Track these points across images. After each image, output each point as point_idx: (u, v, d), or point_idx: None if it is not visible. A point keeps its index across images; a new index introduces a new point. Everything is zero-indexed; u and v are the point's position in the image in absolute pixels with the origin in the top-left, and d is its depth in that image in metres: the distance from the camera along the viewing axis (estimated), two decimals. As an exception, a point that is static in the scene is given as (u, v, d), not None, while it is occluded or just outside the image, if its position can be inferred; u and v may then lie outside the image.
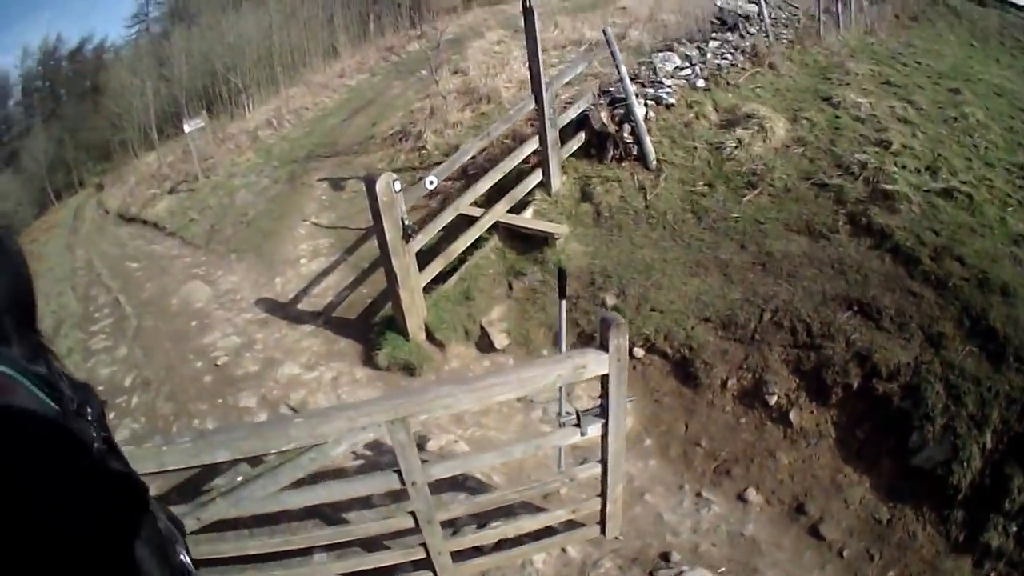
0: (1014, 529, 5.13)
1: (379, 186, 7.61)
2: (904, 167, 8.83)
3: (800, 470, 6.13)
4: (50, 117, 59.61)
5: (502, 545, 5.48)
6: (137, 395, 9.04)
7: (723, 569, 5.36)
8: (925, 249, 7.27)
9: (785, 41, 13.67)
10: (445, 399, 4.19)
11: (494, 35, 19.90)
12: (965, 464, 5.45)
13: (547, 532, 5.52)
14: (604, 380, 4.53)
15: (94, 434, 1.32)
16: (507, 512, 5.56)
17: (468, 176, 10.97)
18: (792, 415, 6.41)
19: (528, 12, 8.93)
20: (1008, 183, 8.63)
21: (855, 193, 8.39)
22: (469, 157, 9.40)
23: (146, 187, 20.72)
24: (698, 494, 6.23)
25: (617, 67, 9.97)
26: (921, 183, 8.48)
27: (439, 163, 11.75)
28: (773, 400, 6.55)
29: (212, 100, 32.96)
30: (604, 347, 4.37)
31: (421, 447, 6.21)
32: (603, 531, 5.55)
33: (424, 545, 4.90)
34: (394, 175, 7.80)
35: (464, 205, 9.06)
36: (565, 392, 5.56)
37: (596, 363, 4.40)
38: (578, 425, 4.73)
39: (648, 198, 9.40)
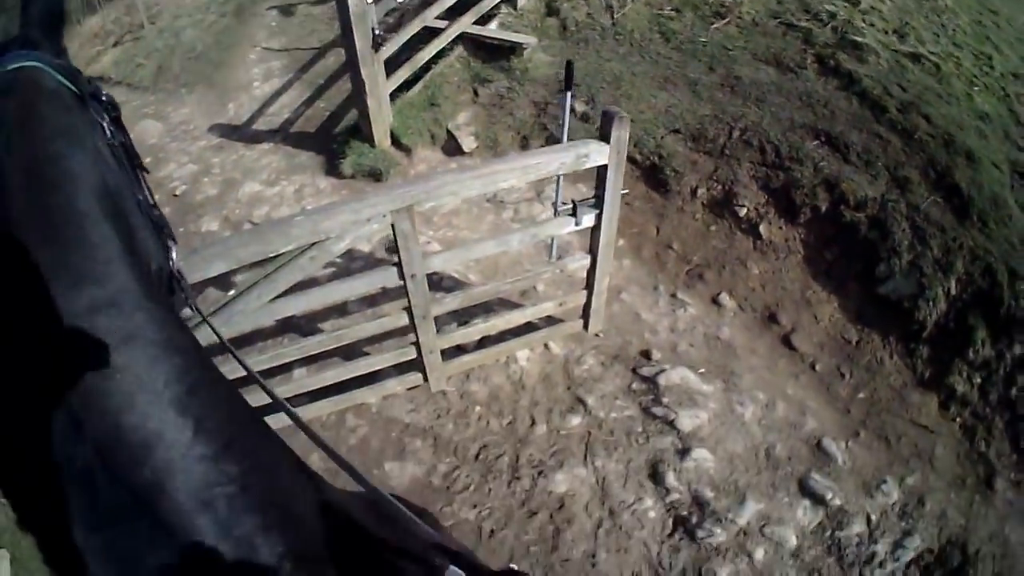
0: (978, 380, 5.48)
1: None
2: (872, 25, 8.90)
3: (771, 281, 6.37)
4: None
5: (485, 343, 5.61)
6: None
7: (702, 370, 5.58)
8: (892, 100, 7.44)
9: None
10: (451, 185, 4.19)
11: None
12: (931, 304, 5.75)
13: (528, 328, 5.65)
14: (602, 171, 4.65)
15: (106, 115, 1.48)
16: (487, 310, 5.69)
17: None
18: (762, 228, 6.59)
19: None
20: (975, 66, 8.81)
21: (823, 38, 8.48)
22: None
23: (90, 47, 19.57)
24: (673, 295, 6.42)
25: None
26: (889, 43, 8.60)
27: None
28: (743, 212, 6.71)
29: None
30: (605, 139, 4.46)
31: (393, 251, 6.15)
32: (585, 326, 5.74)
33: (416, 344, 4.98)
34: None
35: (430, 18, 8.90)
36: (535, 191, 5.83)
37: (598, 153, 4.50)
38: (573, 214, 4.82)
39: (615, 16, 9.36)
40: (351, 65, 7.98)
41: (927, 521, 4.88)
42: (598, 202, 4.83)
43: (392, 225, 4.14)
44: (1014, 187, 6.75)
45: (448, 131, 8.85)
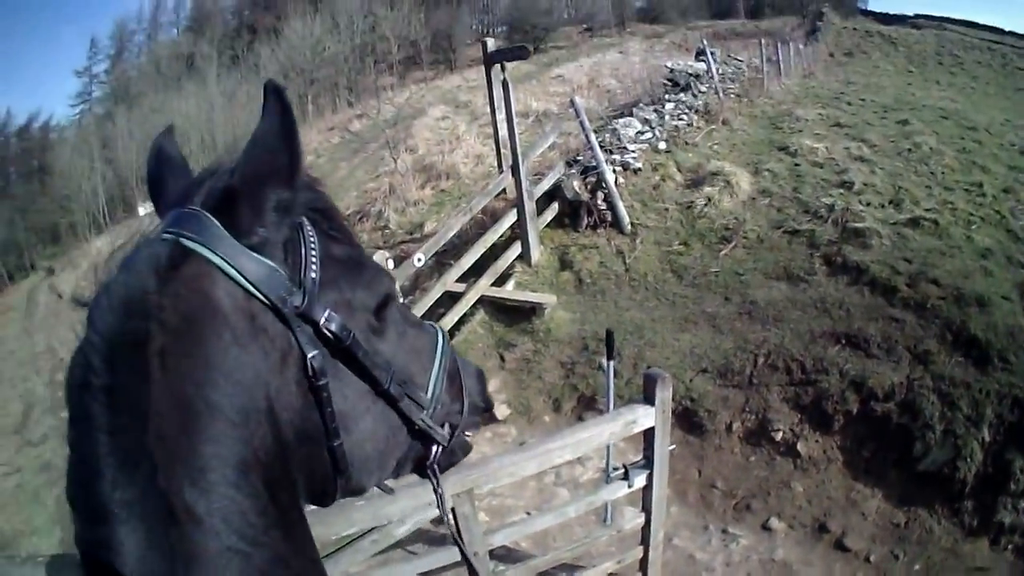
0: (1022, 505, 5.91)
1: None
2: (869, 204, 9.75)
3: (815, 494, 6.75)
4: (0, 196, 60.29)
5: None
6: None
7: None
8: (900, 277, 8.12)
9: (733, 96, 14.63)
10: (509, 468, 4.37)
11: (436, 111, 20.79)
12: (968, 459, 6.19)
13: None
14: (649, 433, 4.91)
15: (316, 347, 1.20)
16: (545, 574, 5.77)
17: (440, 253, 11.23)
18: (799, 446, 7.06)
19: (504, 86, 9.76)
20: (968, 203, 9.59)
21: (826, 235, 9.24)
22: (454, 233, 9.86)
23: (100, 271, 20.92)
24: (723, 531, 6.75)
25: (586, 135, 10.73)
26: (887, 217, 9.39)
27: (403, 242, 12.54)
28: (779, 436, 7.20)
29: None
30: (650, 401, 4.76)
31: (441, 522, 6.52)
32: None
33: None
34: (386, 252, 8.11)
35: (450, 281, 9.49)
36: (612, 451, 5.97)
37: (644, 417, 4.77)
38: (626, 478, 5.05)
39: (627, 262, 10.10)
40: None
41: None
42: (648, 463, 5.07)
43: (452, 509, 4.34)
44: None
45: None
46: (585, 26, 55.95)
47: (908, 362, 7.12)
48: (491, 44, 10.95)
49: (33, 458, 10.95)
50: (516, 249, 10.55)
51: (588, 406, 8.47)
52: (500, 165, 11.95)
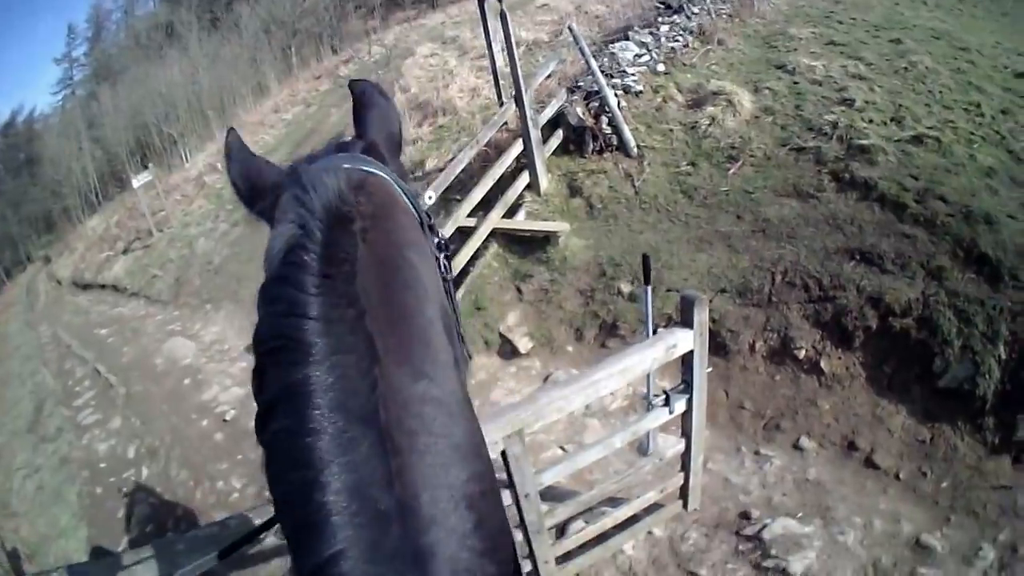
0: None
1: None
2: (872, 121, 9.99)
3: (842, 412, 7.07)
4: (-8, 194, 59.87)
5: (587, 544, 5.76)
6: (146, 466, 9.26)
7: (800, 514, 6.17)
8: (909, 194, 8.40)
9: (725, 16, 14.68)
10: (558, 403, 4.45)
11: (424, 49, 20.64)
12: (987, 376, 6.47)
13: (631, 520, 5.91)
14: (687, 357, 5.13)
15: (440, 252, 1.66)
16: (588, 509, 5.91)
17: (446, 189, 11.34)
18: (823, 364, 7.36)
19: (502, 16, 9.93)
20: (968, 122, 9.83)
21: (833, 152, 9.49)
22: (463, 167, 9.98)
23: (97, 251, 20.42)
24: (756, 452, 7.05)
25: (587, 61, 10.95)
26: (891, 134, 9.63)
27: None
28: (802, 354, 7.50)
29: (147, 153, 33.08)
30: (688, 324, 4.95)
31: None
32: (685, 505, 6.17)
33: (532, 558, 5.14)
34: (416, 188, 7.98)
35: (462, 217, 9.66)
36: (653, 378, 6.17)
37: (684, 340, 4.93)
38: (667, 404, 5.24)
39: (636, 185, 10.34)
40: None
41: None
42: (687, 387, 5.22)
43: (503, 451, 4.39)
44: None
45: (501, 334, 9.37)
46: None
47: (923, 278, 7.39)
48: (481, -26, 10.94)
49: (51, 454, 11.02)
50: (524, 179, 10.79)
51: (611, 333, 8.75)
52: (500, 97, 12.12)
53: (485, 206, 10.22)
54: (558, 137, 11.26)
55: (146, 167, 22.42)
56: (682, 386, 5.27)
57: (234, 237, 15.52)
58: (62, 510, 9.42)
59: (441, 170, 11.40)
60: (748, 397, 7.50)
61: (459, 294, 9.52)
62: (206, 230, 16.54)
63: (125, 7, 77.76)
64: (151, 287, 15.17)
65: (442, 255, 1.65)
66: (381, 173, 1.52)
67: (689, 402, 5.28)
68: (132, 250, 18.14)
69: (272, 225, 1.44)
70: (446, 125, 14.89)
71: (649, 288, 5.98)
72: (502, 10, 9.94)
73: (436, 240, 1.69)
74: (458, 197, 10.62)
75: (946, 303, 7.04)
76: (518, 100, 10.10)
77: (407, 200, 1.55)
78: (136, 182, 18.81)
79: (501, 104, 11.94)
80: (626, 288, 8.95)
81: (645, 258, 5.96)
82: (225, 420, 9.56)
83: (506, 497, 4.58)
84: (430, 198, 8.71)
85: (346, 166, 1.46)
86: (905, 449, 6.55)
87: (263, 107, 28.54)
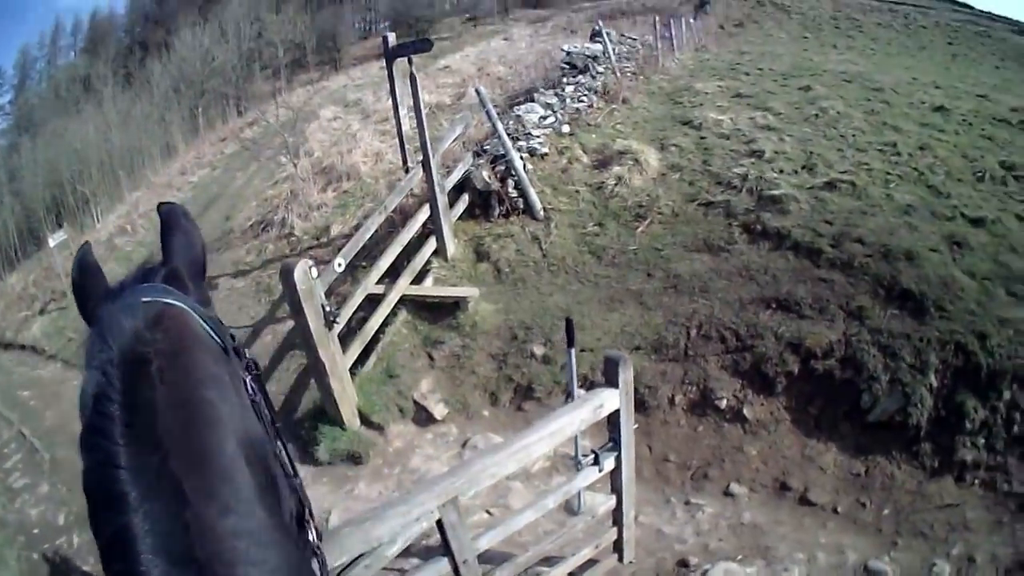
0: (982, 441, 6.29)
1: (297, 275, 7.56)
2: (782, 171, 10.02)
3: (770, 455, 6.99)
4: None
5: None
6: (76, 534, 8.89)
7: (740, 557, 6.04)
8: (823, 239, 8.36)
9: (630, 74, 14.82)
10: (491, 468, 4.41)
11: (328, 112, 20.69)
12: (919, 405, 6.55)
13: None
14: (613, 416, 5.09)
15: (248, 374, 1.64)
16: (524, 570, 5.69)
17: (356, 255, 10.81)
18: (746, 411, 7.26)
19: (412, 78, 9.68)
20: (884, 162, 9.94)
21: (742, 204, 9.45)
22: (371, 234, 9.63)
23: (16, 310, 19.98)
24: (686, 502, 6.90)
25: (494, 124, 10.76)
26: (802, 182, 9.65)
27: (311, 248, 12.59)
28: (723, 403, 7.38)
29: (61, 211, 32.67)
30: (612, 384, 4.93)
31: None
32: (620, 558, 6.04)
33: None
34: (310, 261, 7.92)
35: (371, 284, 9.31)
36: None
37: (610, 399, 4.94)
38: (596, 463, 5.21)
39: (544, 247, 10.15)
40: (307, 347, 8.21)
41: (984, 571, 5.51)
42: (615, 445, 5.24)
43: (439, 520, 4.30)
44: (955, 259, 7.78)
45: (415, 401, 9.02)
46: (468, 15, 56.22)
47: (843, 319, 7.43)
48: (392, 39, 10.95)
49: (-17, 519, 10.45)
50: (431, 245, 10.46)
51: (526, 396, 8.57)
52: (405, 162, 11.99)
53: (392, 273, 9.93)
54: (464, 201, 11.06)
55: (60, 226, 22.03)
56: (610, 444, 5.28)
57: None
58: (5, 573, 9.19)
59: (347, 236, 11.25)
60: (672, 450, 7.40)
61: (370, 362, 9.41)
62: None
63: (48, 56, 77.57)
64: (67, 350, 14.65)
65: (248, 376, 1.65)
66: (180, 304, 1.48)
67: (618, 459, 5.27)
68: (48, 311, 17.70)
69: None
70: (350, 190, 14.70)
71: (573, 351, 5.97)
72: (411, 73, 9.79)
73: (244, 361, 1.68)
74: (364, 264, 10.37)
75: (869, 341, 7.09)
76: (425, 165, 9.92)
77: (207, 330, 1.51)
78: (52, 240, 18.50)
79: (407, 169, 11.78)
80: (539, 351, 8.76)
81: (568, 322, 5.95)
82: None
83: (443, 565, 4.55)
84: (340, 265, 8.44)
85: (145, 300, 1.43)
86: (840, 484, 6.57)
87: (171, 168, 28.21)
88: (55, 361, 14.77)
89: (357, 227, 11.34)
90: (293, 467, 1.76)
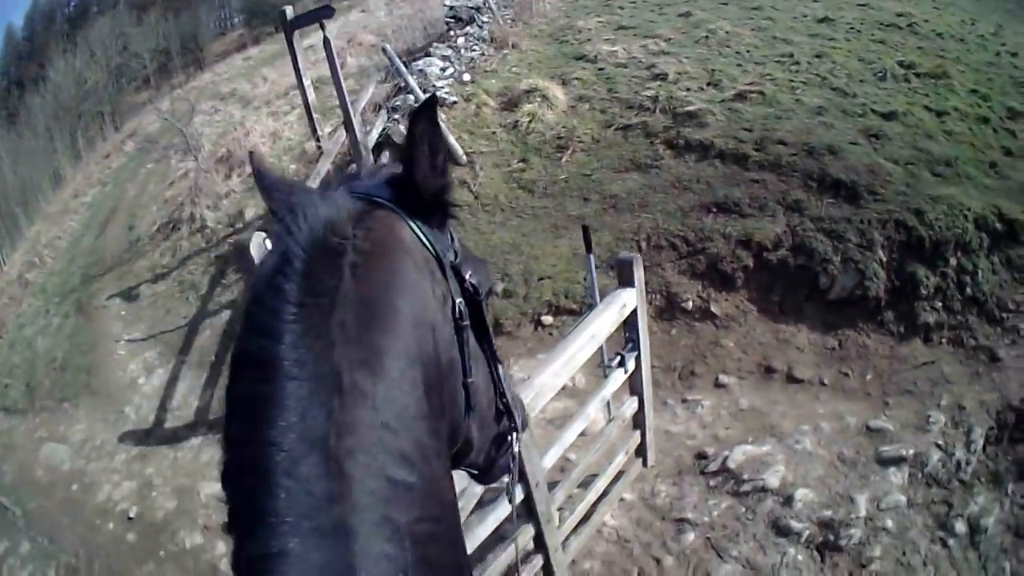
0: (940, 304, 6.96)
1: (253, 250, 7.47)
2: (689, 89, 10.48)
3: (747, 344, 7.44)
4: None
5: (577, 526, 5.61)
6: None
7: (751, 438, 6.42)
8: (746, 145, 8.91)
9: (510, 21, 14.93)
10: (551, 380, 4.39)
11: (205, 107, 20.61)
12: (875, 278, 7.15)
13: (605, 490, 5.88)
14: (631, 316, 5.23)
15: (461, 297, 1.49)
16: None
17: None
18: (713, 308, 7.70)
19: (326, 44, 9.92)
20: (785, 72, 10.50)
21: (660, 124, 9.87)
22: None
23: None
24: (683, 400, 7.24)
25: (405, 78, 11.14)
26: (712, 97, 10.14)
27: (228, 236, 12.71)
28: (690, 305, 7.81)
29: None
30: (629, 283, 5.07)
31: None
32: (644, 463, 6.25)
33: (543, 550, 4.93)
34: (263, 233, 7.84)
35: None
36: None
37: (630, 299, 5.08)
38: (622, 364, 5.32)
39: (473, 189, 10.38)
40: None
41: (977, 416, 6.01)
42: (634, 345, 5.40)
43: None
44: (876, 149, 8.41)
45: None
46: (322, -7, 55.50)
47: (783, 213, 7.95)
48: (289, 12, 11.08)
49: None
50: None
51: (496, 332, 8.33)
52: (315, 131, 12.20)
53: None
54: (386, 156, 11.23)
55: None
56: (630, 345, 5.43)
57: (70, 329, 14.55)
58: None
59: (262, 216, 11.65)
60: (653, 356, 7.30)
61: None
62: (41, 328, 15.46)
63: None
64: (5, 397, 13.77)
65: (458, 300, 1.48)
66: (391, 206, 1.44)
67: (637, 359, 5.44)
68: None
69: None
70: None
71: (592, 256, 6.03)
72: (325, 37, 9.92)
73: (461, 284, 1.53)
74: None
75: (814, 228, 7.64)
76: (347, 127, 10.15)
77: (420, 238, 1.44)
78: None
79: (317, 139, 12.06)
80: (498, 287, 8.81)
81: (585, 229, 6.06)
82: (130, 518, 8.95)
83: (518, 491, 4.36)
84: None
85: (354, 195, 1.43)
86: (819, 359, 7.07)
87: (63, 195, 27.27)
88: None
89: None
90: (506, 405, 1.70)
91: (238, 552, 1.06)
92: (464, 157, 10.78)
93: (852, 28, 12.43)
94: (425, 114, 1.36)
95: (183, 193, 15.87)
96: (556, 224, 9.24)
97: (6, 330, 16.69)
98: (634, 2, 15.23)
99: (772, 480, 5.85)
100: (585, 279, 7.63)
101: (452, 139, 10.79)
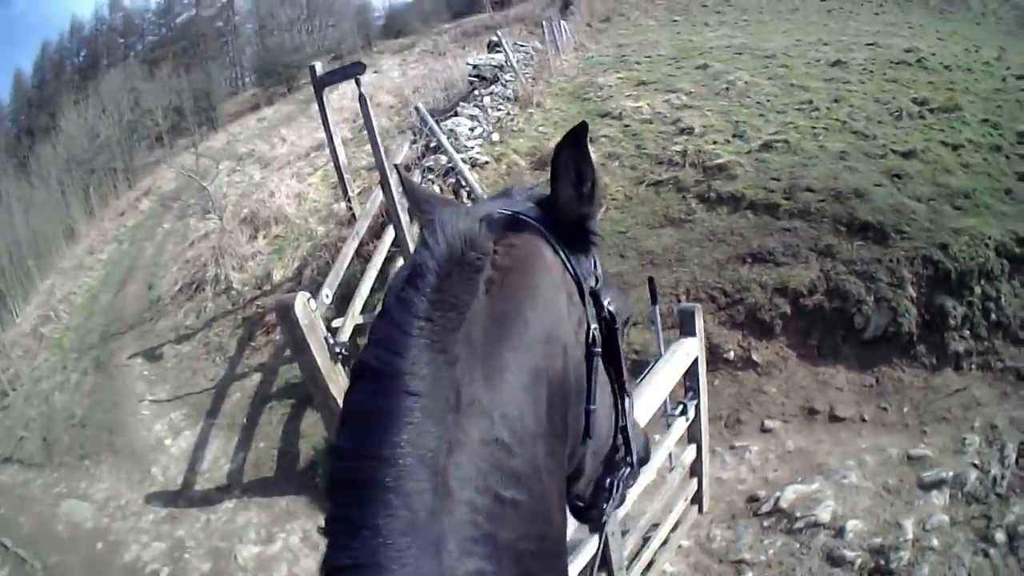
0: (968, 332, 7.36)
1: (298, 310, 7.22)
2: (716, 142, 10.86)
3: (788, 388, 7.71)
4: None
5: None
6: None
7: (800, 477, 6.70)
8: (776, 194, 9.24)
9: (531, 80, 15.24)
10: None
11: (223, 167, 20.34)
12: (906, 315, 7.52)
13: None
14: (694, 364, 5.44)
15: (598, 323, 1.48)
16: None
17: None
18: (754, 356, 7.98)
19: (361, 100, 9.89)
20: (806, 119, 10.91)
21: (691, 178, 10.21)
22: (348, 262, 9.48)
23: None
24: (731, 447, 7.47)
25: (438, 138, 11.42)
26: (739, 148, 10.52)
27: (256, 298, 12.69)
28: (731, 355, 8.08)
29: None
30: (691, 333, 5.32)
31: None
32: (700, 509, 6.44)
33: None
34: (306, 294, 7.64)
35: (357, 312, 9.10)
36: None
37: (692, 348, 5.30)
38: (683, 412, 5.46)
39: (511, 251, 10.38)
40: (315, 386, 7.78)
41: (1009, 434, 6.39)
42: (695, 393, 5.58)
43: None
44: (899, 188, 8.77)
45: None
46: (332, 55, 55.83)
47: (816, 259, 8.27)
48: (319, 67, 11.25)
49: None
50: (399, 263, 10.56)
51: None
52: (346, 192, 12.20)
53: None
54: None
55: None
56: (691, 393, 5.61)
57: (89, 386, 14.30)
58: None
59: (292, 279, 11.66)
60: None
61: None
62: (58, 383, 15.14)
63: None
64: (21, 450, 13.49)
65: (594, 326, 1.48)
66: (537, 226, 1.45)
67: (697, 407, 5.62)
68: None
69: None
70: (282, 234, 14.59)
71: (657, 307, 6.27)
72: (361, 94, 9.86)
73: (599, 311, 1.52)
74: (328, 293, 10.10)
75: (846, 271, 7.98)
76: (384, 186, 9.98)
77: (562, 260, 1.44)
78: None
79: (348, 199, 12.09)
80: None
81: (650, 280, 6.31)
82: None
83: (593, 541, 4.07)
84: (327, 296, 8.27)
85: (499, 212, 1.45)
86: (858, 397, 7.37)
87: (77, 250, 27.21)
88: (11, 463, 13.52)
89: (299, 268, 11.74)
90: (626, 439, 1.65)
91: (325, 560, 1.06)
92: (502, 217, 10.87)
93: (864, 69, 12.82)
94: (574, 140, 1.37)
95: (205, 253, 15.79)
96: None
97: (21, 383, 16.51)
98: (649, 57, 15.53)
99: (823, 515, 6.11)
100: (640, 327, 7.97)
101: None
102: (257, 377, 11.41)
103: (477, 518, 1.11)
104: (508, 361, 1.25)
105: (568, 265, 1.43)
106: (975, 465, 6.17)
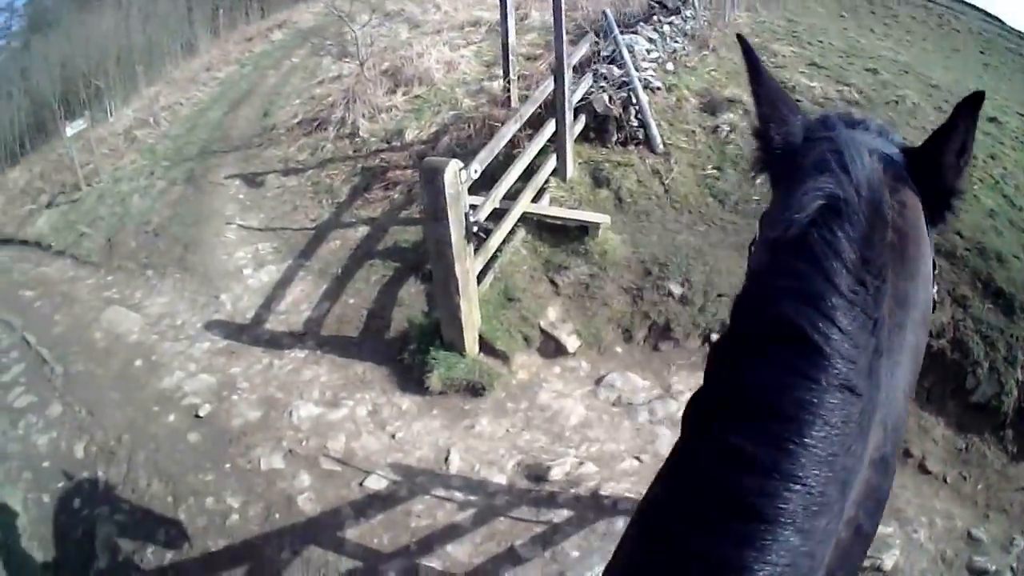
0: None
1: (448, 177, 7.08)
2: None
3: None
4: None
5: None
6: (102, 470, 7.76)
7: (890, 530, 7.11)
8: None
9: (706, 23, 15.35)
10: None
11: (364, 19, 19.86)
12: (1009, 395, 7.87)
13: None
14: None
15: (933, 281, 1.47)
16: None
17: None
18: None
19: None
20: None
21: None
22: (504, 142, 9.22)
23: (19, 204, 18.22)
24: None
25: (620, 50, 11.30)
26: None
27: (380, 151, 12.87)
28: None
29: (71, 105, 31.30)
30: None
31: (543, 478, 6.85)
32: None
33: None
34: (460, 163, 7.43)
35: (499, 197, 8.84)
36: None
37: None
38: None
39: (665, 182, 10.64)
40: (440, 259, 7.58)
41: None
42: None
43: None
44: None
45: (542, 330, 8.73)
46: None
47: (950, 304, 8.59)
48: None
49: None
50: (551, 164, 10.41)
51: (662, 336, 8.80)
52: (507, 73, 12.19)
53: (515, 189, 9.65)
54: (580, 123, 10.96)
55: (79, 116, 20.48)
56: None
57: (175, 197, 14.17)
58: (5, 520, 7.61)
59: (425, 143, 11.93)
60: None
61: (487, 281, 8.96)
62: (140, 187, 15.20)
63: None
64: (79, 246, 13.61)
65: (934, 288, 1.51)
66: (915, 188, 1.44)
67: None
68: (57, 204, 16.64)
69: (778, 166, 1.56)
70: (424, 96, 14.52)
71: None
72: None
73: (935, 271, 1.55)
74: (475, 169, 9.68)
75: (973, 328, 8.34)
76: (558, 78, 9.81)
77: (930, 234, 1.45)
78: (70, 130, 16.77)
79: (507, 80, 12.14)
80: (676, 290, 8.91)
81: None
82: (198, 416, 8.18)
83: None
84: (476, 171, 7.91)
85: (883, 153, 1.44)
86: (947, 456, 7.75)
87: (193, 65, 26.95)
88: (63, 257, 13.63)
89: (436, 134, 12.01)
90: None
91: (696, 539, 1.01)
92: (661, 146, 10.99)
93: (1017, 138, 12.73)
94: (972, 108, 1.37)
95: (335, 94, 15.50)
96: (743, 243, 9.04)
97: (99, 179, 16.64)
98: (821, 43, 15.52)
99: (888, 562, 6.50)
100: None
101: (654, 125, 11.06)
102: (363, 230, 11.26)
103: (852, 505, 1.14)
104: (907, 343, 1.27)
105: (932, 242, 1.46)
106: (1012, 569, 6.65)
